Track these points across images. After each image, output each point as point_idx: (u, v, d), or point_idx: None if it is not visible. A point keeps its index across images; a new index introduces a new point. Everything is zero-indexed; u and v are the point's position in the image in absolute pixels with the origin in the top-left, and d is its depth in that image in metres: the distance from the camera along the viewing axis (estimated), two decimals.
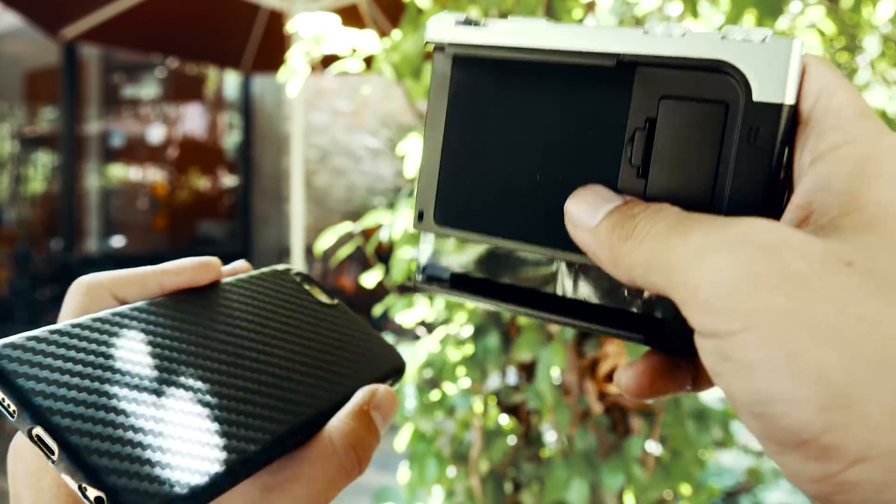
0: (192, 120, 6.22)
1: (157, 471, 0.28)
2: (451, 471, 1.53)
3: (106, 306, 0.34)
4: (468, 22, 0.31)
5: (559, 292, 0.31)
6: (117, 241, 5.84)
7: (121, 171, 6.15)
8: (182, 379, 0.32)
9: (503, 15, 1.28)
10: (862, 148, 0.23)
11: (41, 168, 6.02)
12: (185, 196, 6.11)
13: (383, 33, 1.54)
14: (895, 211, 0.22)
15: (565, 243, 0.29)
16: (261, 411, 0.33)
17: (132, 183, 6.15)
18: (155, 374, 0.31)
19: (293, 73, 1.47)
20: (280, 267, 0.42)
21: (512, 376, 1.60)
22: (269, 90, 5.32)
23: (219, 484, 0.29)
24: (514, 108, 0.31)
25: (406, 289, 1.56)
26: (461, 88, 0.32)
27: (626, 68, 0.28)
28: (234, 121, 5.88)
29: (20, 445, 0.32)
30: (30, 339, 0.30)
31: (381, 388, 0.36)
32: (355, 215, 1.91)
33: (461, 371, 1.45)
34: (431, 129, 0.33)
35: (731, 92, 0.26)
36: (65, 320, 0.33)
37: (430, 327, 1.56)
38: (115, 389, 0.30)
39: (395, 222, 1.41)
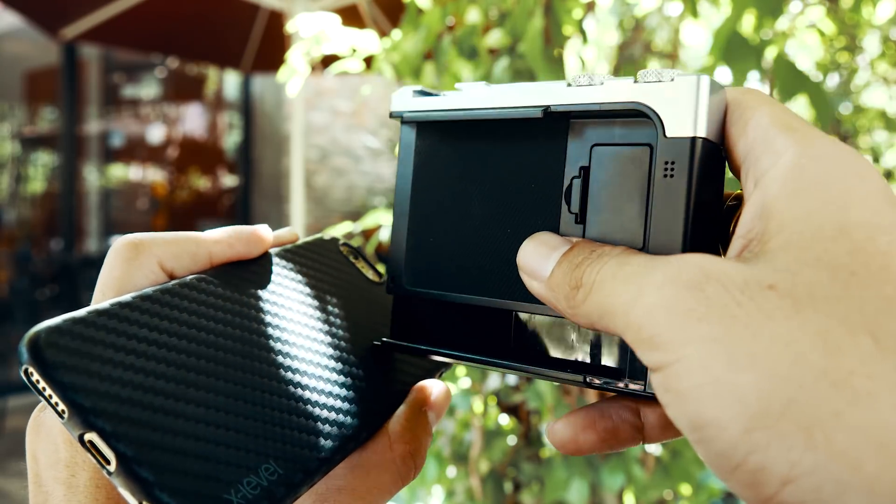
0: (192, 120, 6.22)
1: (229, 488, 0.26)
2: (451, 471, 1.53)
3: (151, 277, 0.31)
4: (423, 93, 0.33)
5: (511, 344, 0.31)
6: None
7: (121, 171, 6.15)
8: (244, 373, 0.30)
9: (503, 16, 1.28)
10: (786, 165, 0.23)
11: (41, 168, 6.02)
12: (185, 196, 6.11)
13: (383, 33, 1.54)
14: (816, 223, 0.22)
15: (523, 295, 0.29)
16: (328, 413, 0.31)
17: (132, 183, 6.15)
18: (213, 366, 0.29)
19: (293, 73, 1.47)
20: (326, 236, 0.40)
21: (512, 376, 1.60)
22: (269, 90, 5.32)
23: (296, 494, 0.28)
24: (466, 170, 0.32)
25: None
26: (423, 157, 0.34)
27: (560, 121, 0.29)
28: (234, 121, 5.88)
29: (49, 424, 0.29)
30: (76, 322, 0.26)
31: (437, 385, 0.36)
32: (355, 215, 1.91)
33: (461, 371, 1.45)
34: (399, 197, 0.34)
35: (652, 133, 0.27)
36: (105, 289, 0.30)
37: None
38: (174, 387, 0.27)
39: None
